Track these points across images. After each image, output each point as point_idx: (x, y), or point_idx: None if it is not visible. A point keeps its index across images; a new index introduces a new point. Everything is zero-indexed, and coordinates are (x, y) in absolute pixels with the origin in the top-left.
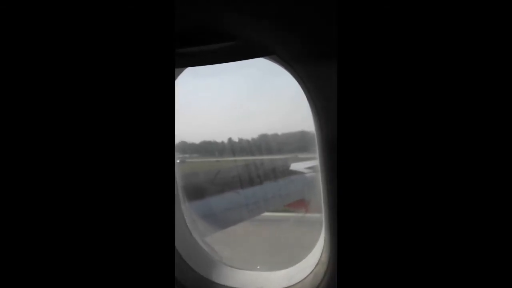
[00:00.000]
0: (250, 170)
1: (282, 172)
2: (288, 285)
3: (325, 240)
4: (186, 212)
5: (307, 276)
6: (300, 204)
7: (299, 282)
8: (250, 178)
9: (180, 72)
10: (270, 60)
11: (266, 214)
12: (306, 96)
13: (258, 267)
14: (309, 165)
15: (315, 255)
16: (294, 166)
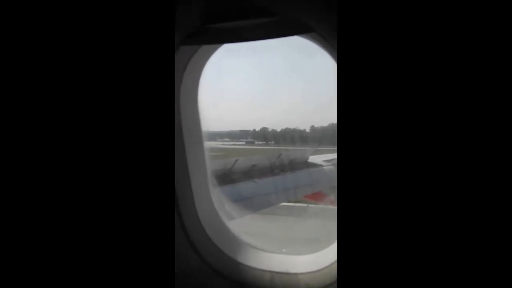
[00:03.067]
0: (269, 160)
1: (301, 164)
2: (315, 269)
3: None
4: (215, 196)
5: (335, 261)
6: (318, 196)
7: (326, 267)
8: (270, 168)
9: (214, 50)
10: (308, 39)
11: (285, 204)
12: None
13: (284, 250)
14: (327, 158)
15: None
16: (313, 159)
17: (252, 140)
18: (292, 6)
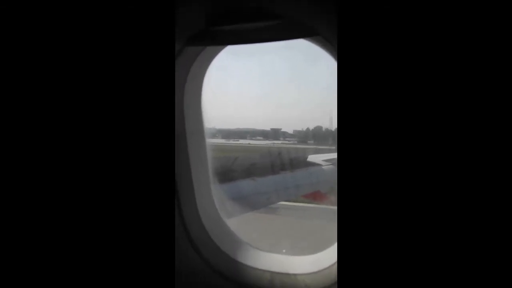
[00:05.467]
0: (268, 159)
1: (300, 163)
2: (315, 270)
3: None
4: (215, 194)
5: (335, 263)
6: (316, 195)
7: (326, 268)
8: (269, 167)
9: (218, 51)
10: (312, 42)
11: (283, 203)
12: None
13: (284, 250)
14: (326, 158)
15: None
16: (312, 158)
17: (303, 139)
18: (296, 10)
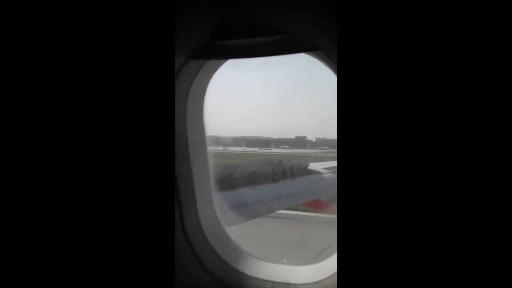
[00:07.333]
0: (269, 167)
1: (301, 171)
2: (316, 280)
3: None
4: (217, 202)
5: (336, 272)
6: (316, 204)
7: (327, 278)
8: (269, 175)
9: (221, 64)
10: (313, 56)
11: (283, 211)
12: None
13: (284, 261)
14: (327, 166)
15: None
16: (312, 166)
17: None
18: (297, 26)
